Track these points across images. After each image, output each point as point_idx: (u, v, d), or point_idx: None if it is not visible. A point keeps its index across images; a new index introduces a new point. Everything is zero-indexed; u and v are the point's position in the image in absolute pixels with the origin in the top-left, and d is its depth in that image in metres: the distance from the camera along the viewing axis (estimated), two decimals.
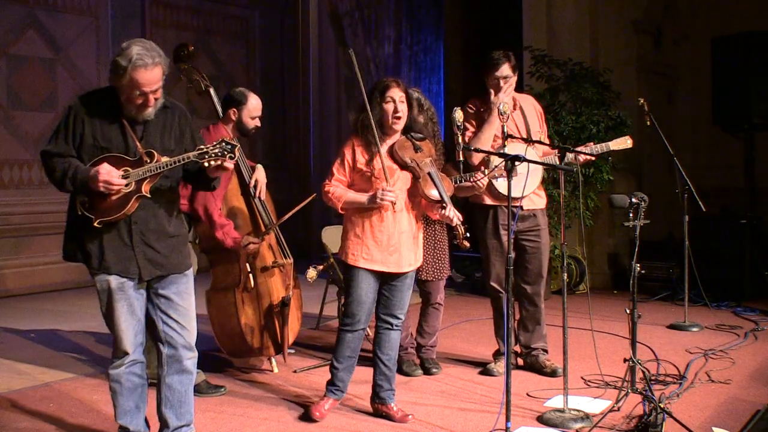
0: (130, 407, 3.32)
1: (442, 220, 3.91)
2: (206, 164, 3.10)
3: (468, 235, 3.86)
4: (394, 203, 3.77)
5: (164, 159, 3.14)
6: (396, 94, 3.85)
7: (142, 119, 3.19)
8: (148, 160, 3.14)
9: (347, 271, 3.93)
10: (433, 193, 3.79)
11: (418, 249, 3.96)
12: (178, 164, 3.13)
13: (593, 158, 4.55)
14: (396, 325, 3.97)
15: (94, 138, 3.15)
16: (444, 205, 3.78)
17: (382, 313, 3.97)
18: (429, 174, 3.81)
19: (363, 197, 3.82)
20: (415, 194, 3.88)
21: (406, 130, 3.94)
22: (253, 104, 4.54)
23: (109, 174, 3.07)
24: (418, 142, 3.90)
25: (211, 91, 4.70)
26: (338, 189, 3.89)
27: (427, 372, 4.76)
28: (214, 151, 3.10)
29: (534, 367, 4.76)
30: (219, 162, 3.11)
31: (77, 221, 3.18)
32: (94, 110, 3.17)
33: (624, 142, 4.73)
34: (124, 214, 3.14)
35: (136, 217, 3.19)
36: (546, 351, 4.82)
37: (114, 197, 3.11)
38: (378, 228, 3.82)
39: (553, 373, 4.63)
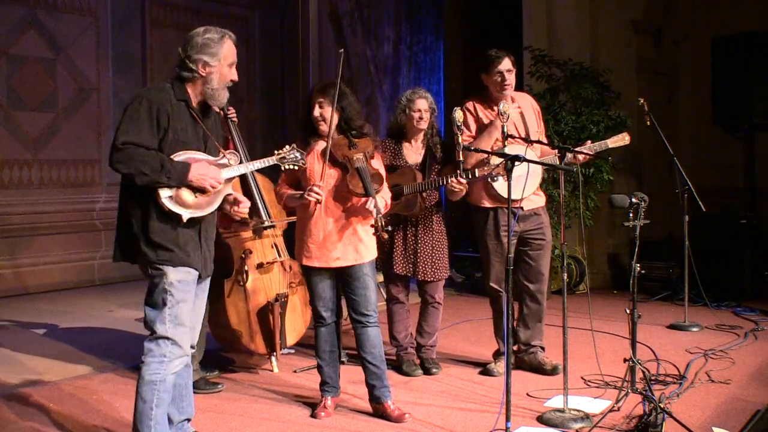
0: (162, 417, 3.19)
1: (365, 213, 3.90)
2: (283, 168, 3.37)
3: (389, 228, 3.89)
4: (319, 201, 3.83)
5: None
6: (316, 99, 3.94)
7: (219, 104, 3.26)
8: (233, 159, 3.24)
9: (302, 270, 4.12)
10: (357, 187, 3.86)
11: (359, 243, 3.95)
12: (263, 166, 3.32)
13: (592, 156, 4.53)
14: (369, 322, 3.98)
15: (175, 132, 3.15)
16: (367, 198, 3.83)
17: (353, 313, 4.02)
18: (357, 169, 3.88)
19: (297, 195, 3.94)
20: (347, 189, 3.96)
21: (345, 129, 3.97)
22: None
23: (217, 172, 3.15)
24: (355, 140, 3.97)
25: None
26: (282, 188, 4.07)
27: (427, 372, 4.76)
28: (291, 154, 3.38)
29: (533, 365, 4.75)
30: (293, 166, 3.40)
31: (151, 217, 3.11)
32: (172, 104, 3.15)
33: (622, 139, 4.72)
34: (210, 211, 3.20)
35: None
36: (543, 348, 4.81)
37: (208, 194, 3.16)
38: (314, 225, 3.92)
39: (553, 371, 4.63)
